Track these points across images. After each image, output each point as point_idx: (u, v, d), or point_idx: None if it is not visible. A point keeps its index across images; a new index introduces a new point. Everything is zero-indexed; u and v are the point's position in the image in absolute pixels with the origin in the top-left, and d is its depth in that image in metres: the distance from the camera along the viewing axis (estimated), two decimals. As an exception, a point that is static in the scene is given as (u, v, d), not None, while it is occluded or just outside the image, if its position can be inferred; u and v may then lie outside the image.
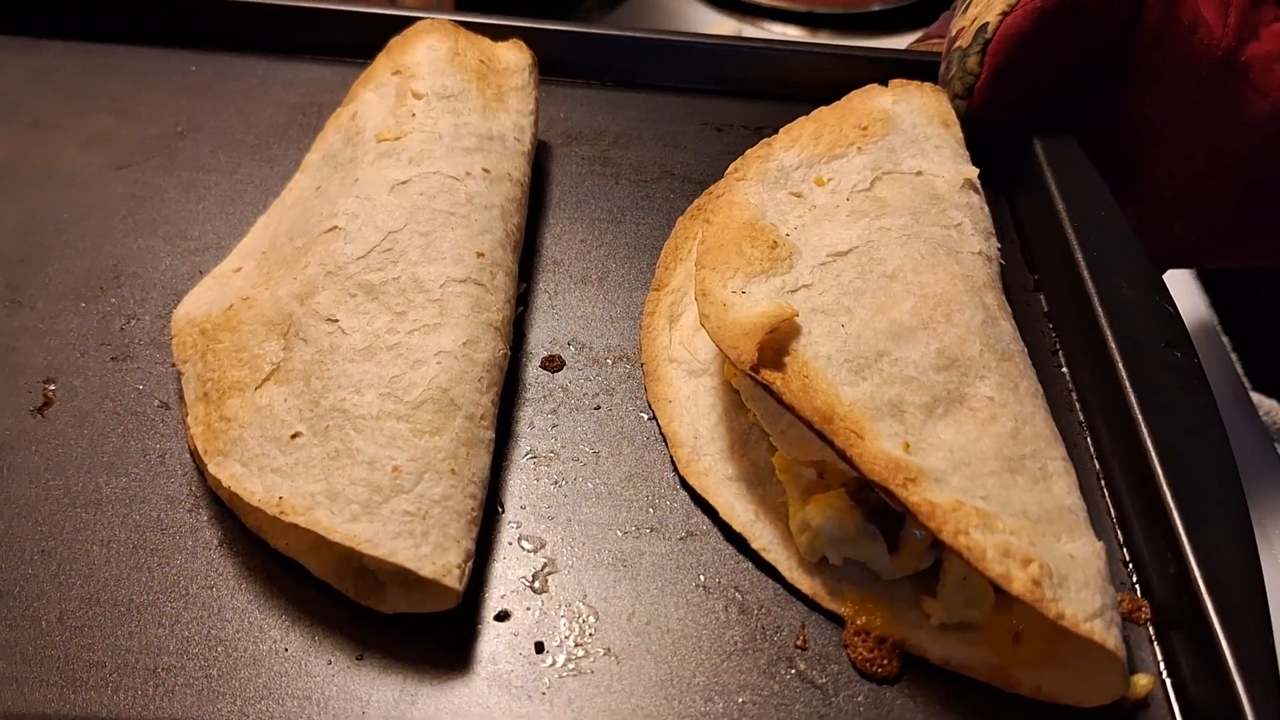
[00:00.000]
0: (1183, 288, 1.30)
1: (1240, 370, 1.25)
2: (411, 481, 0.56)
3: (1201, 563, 0.55)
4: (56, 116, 0.88)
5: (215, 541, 0.60)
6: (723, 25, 1.51)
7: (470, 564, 0.56)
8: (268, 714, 0.52)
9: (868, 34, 1.57)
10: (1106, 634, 0.50)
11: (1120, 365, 0.65)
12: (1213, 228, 0.92)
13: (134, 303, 0.73)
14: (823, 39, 1.55)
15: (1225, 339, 1.29)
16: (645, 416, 0.68)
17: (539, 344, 0.72)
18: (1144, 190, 0.87)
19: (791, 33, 1.56)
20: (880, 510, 0.57)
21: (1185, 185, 0.88)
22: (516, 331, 0.71)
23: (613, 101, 0.94)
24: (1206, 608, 0.53)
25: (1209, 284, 1.35)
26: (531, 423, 0.67)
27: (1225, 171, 0.87)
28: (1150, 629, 0.58)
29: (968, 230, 0.69)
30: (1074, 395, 0.70)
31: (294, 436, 0.58)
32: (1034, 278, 0.79)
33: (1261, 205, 0.89)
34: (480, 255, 0.67)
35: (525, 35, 0.89)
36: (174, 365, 0.67)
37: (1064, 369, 0.72)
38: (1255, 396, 1.19)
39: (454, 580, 0.54)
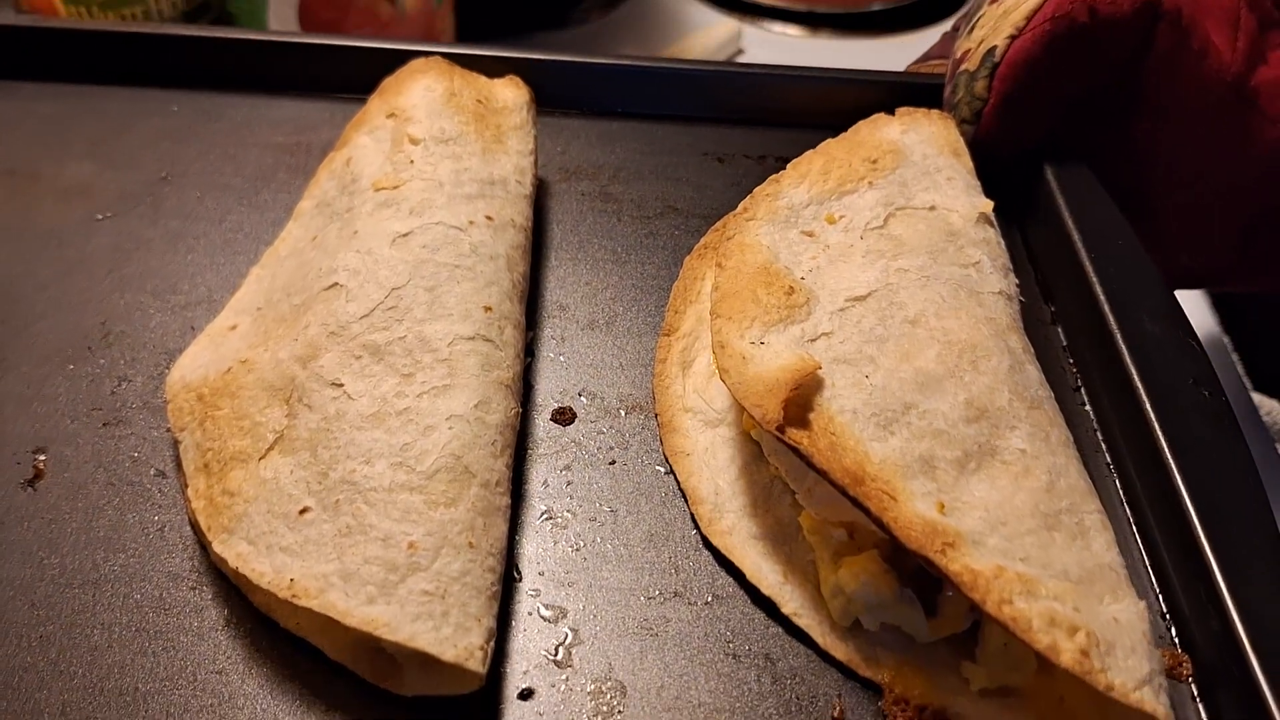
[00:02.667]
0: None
1: (1241, 370, 1.25)
2: (429, 558, 0.53)
3: (1245, 619, 0.53)
4: (32, 164, 0.84)
5: (222, 621, 0.57)
6: (723, 25, 1.49)
7: (492, 643, 0.53)
8: (286, 810, 0.50)
9: (868, 34, 1.56)
10: (1156, 703, 0.49)
11: (1148, 406, 0.63)
12: (1218, 255, 0.91)
13: (124, 363, 0.70)
14: (823, 38, 1.54)
15: (1226, 339, 1.29)
16: (662, 470, 0.66)
17: (549, 395, 0.70)
18: (1151, 219, 0.86)
19: (792, 32, 1.55)
20: (916, 572, 0.55)
21: (1192, 213, 0.87)
22: (525, 383, 0.69)
23: (609, 133, 0.92)
24: (1253, 668, 0.52)
25: (1210, 284, 1.35)
26: (545, 481, 0.65)
27: (1232, 199, 0.86)
28: (1192, 686, 0.56)
29: (986, 268, 0.68)
30: (1099, 435, 0.69)
31: (303, 512, 0.56)
32: (1051, 309, 0.78)
33: (1266, 233, 0.88)
34: (488, 309, 0.65)
35: (517, 67, 0.86)
36: (169, 430, 0.64)
37: (1087, 407, 0.71)
38: (1256, 397, 1.18)
39: (477, 664, 0.51)
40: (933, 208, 0.71)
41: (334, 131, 0.82)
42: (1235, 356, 1.27)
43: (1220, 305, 1.32)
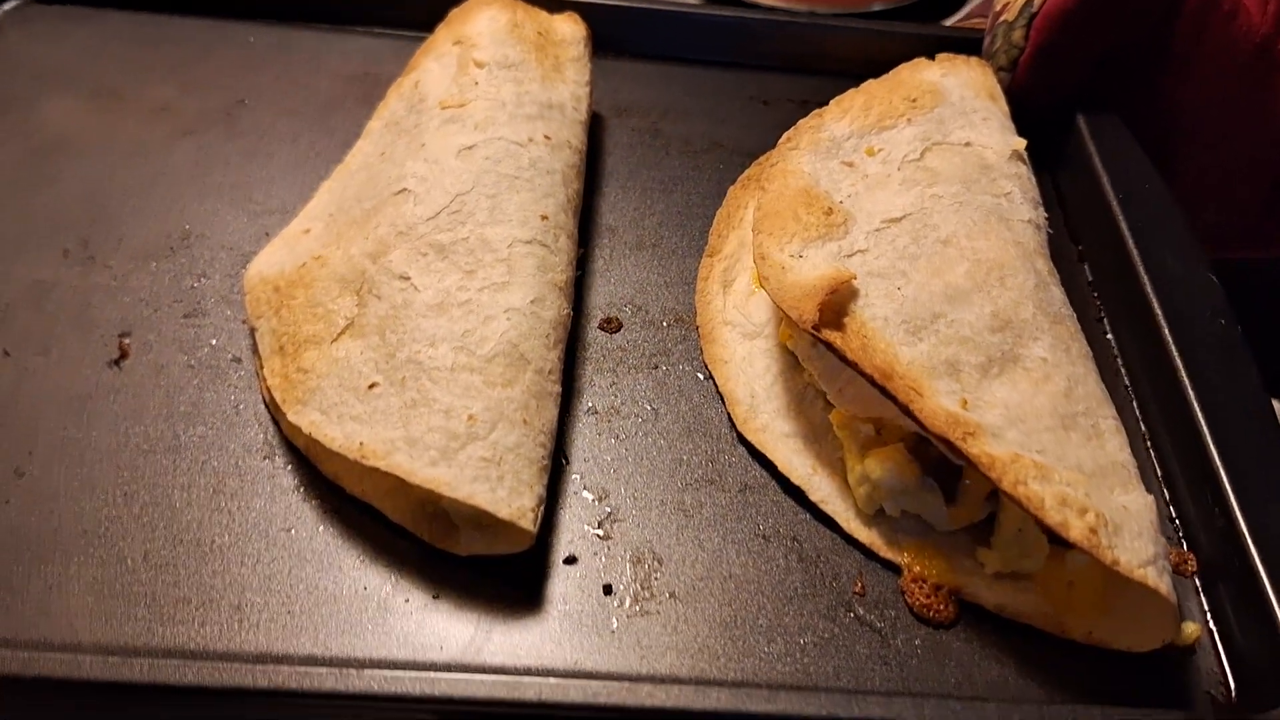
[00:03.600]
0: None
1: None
2: (486, 430, 0.58)
3: (1248, 518, 0.57)
4: (118, 86, 0.90)
5: (292, 487, 0.62)
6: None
7: (542, 508, 0.58)
8: (349, 648, 0.55)
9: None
10: (1159, 580, 0.52)
11: (1167, 334, 0.67)
12: (1243, 215, 0.94)
13: (204, 262, 0.75)
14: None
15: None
16: (701, 376, 0.70)
17: (597, 306, 0.74)
18: (1177, 177, 0.88)
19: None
20: (937, 464, 0.59)
21: (1218, 173, 0.89)
22: (575, 294, 0.73)
23: (660, 75, 0.96)
24: (1254, 561, 0.55)
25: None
26: (592, 380, 0.69)
27: (1257, 160, 0.88)
28: (1196, 581, 0.60)
29: (1017, 199, 0.71)
30: (1120, 362, 0.72)
31: (371, 387, 0.60)
32: (1078, 249, 0.81)
33: None
34: (544, 218, 0.69)
35: (577, 9, 0.91)
36: (245, 322, 0.69)
37: (1110, 336, 0.74)
38: None
39: (528, 522, 0.56)
40: (968, 144, 0.75)
41: (400, 65, 0.86)
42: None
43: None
